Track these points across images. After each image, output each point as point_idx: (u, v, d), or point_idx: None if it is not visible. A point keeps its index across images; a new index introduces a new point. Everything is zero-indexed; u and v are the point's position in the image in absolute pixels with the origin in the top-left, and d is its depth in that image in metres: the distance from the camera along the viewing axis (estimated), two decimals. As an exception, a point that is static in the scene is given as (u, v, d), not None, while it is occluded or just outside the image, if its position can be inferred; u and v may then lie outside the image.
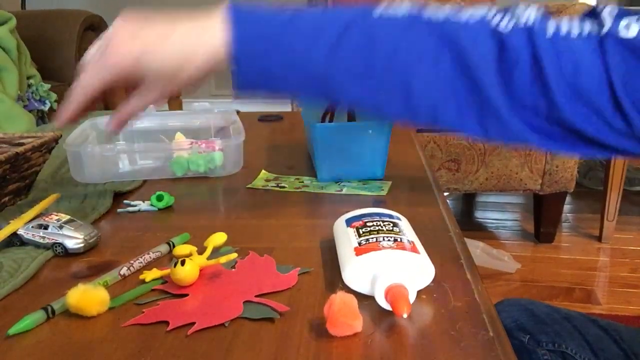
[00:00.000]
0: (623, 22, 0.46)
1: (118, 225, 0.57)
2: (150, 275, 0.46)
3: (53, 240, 0.53)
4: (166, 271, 0.46)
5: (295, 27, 0.47)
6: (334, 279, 0.46)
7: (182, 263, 0.44)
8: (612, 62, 0.45)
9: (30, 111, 1.87)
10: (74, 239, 0.53)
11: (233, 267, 0.48)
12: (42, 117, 1.98)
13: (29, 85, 1.96)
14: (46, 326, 0.41)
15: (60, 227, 0.53)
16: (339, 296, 0.38)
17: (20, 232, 0.53)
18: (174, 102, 3.30)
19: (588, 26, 0.48)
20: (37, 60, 2.20)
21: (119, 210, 0.65)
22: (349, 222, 0.49)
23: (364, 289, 0.43)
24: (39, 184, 0.74)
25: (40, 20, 2.42)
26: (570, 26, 0.48)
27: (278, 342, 0.38)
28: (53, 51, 2.35)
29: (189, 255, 0.49)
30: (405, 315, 0.38)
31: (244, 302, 0.42)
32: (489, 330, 0.38)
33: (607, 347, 0.66)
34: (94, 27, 2.46)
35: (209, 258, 0.47)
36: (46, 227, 0.53)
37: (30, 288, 0.47)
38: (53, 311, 0.42)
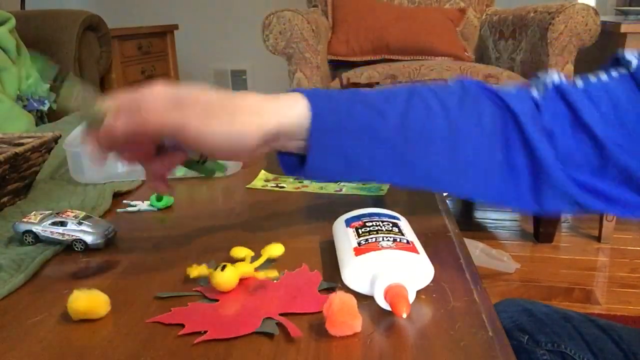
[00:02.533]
0: None
1: (117, 225, 0.57)
2: (194, 271, 0.46)
3: (73, 237, 0.53)
4: (210, 271, 0.46)
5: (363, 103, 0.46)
6: (333, 279, 0.46)
7: (223, 268, 0.44)
8: None
9: (29, 111, 1.87)
10: (93, 235, 0.53)
11: (278, 278, 0.47)
12: (42, 117, 1.98)
13: (28, 86, 1.96)
14: (46, 326, 0.41)
15: (80, 223, 0.53)
16: (338, 296, 0.38)
17: (37, 229, 0.54)
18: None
19: (615, 71, 0.48)
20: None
21: (118, 210, 0.65)
22: (348, 222, 0.49)
23: (363, 289, 0.43)
24: (38, 184, 0.74)
25: (40, 20, 2.42)
26: (598, 75, 0.48)
27: (278, 342, 0.38)
28: (52, 51, 2.35)
29: (243, 258, 0.49)
30: (404, 315, 0.38)
31: (263, 319, 0.41)
32: (488, 330, 0.38)
33: (606, 347, 0.66)
34: (94, 27, 2.46)
35: (258, 268, 0.47)
36: (64, 224, 0.53)
37: (30, 288, 0.47)
38: None
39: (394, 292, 0.39)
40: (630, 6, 2.67)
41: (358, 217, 0.49)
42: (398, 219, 0.49)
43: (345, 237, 0.47)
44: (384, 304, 0.40)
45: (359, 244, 0.44)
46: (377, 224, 0.47)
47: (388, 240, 0.44)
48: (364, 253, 0.43)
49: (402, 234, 0.45)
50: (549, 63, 1.87)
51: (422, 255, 0.44)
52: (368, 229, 0.46)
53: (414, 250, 0.43)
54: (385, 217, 0.49)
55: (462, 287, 0.45)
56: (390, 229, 0.46)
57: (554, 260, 1.87)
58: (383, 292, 0.40)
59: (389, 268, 0.41)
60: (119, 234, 0.57)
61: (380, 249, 0.43)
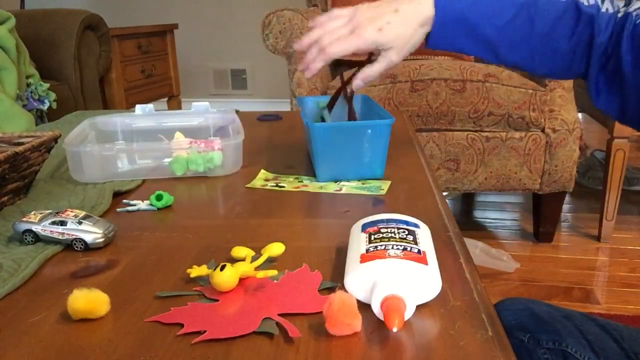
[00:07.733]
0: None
1: (117, 224, 0.57)
2: (194, 271, 0.46)
3: (73, 236, 0.53)
4: (210, 271, 0.46)
5: (480, 6, 0.63)
6: (332, 278, 0.46)
7: (222, 268, 0.44)
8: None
9: (29, 110, 1.87)
10: (93, 234, 0.53)
11: (278, 278, 0.47)
12: (41, 117, 1.98)
13: (28, 85, 1.96)
14: (46, 326, 0.41)
15: (80, 222, 0.53)
16: (338, 296, 0.38)
17: (37, 229, 0.54)
18: (173, 101, 3.30)
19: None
20: (36, 60, 2.19)
21: (118, 209, 0.65)
22: (364, 227, 0.48)
23: (363, 297, 0.42)
24: (38, 183, 0.74)
25: (39, 20, 2.42)
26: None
27: (277, 342, 0.38)
28: (52, 50, 2.35)
29: (244, 258, 0.49)
30: (395, 330, 0.37)
31: (263, 319, 0.41)
32: (488, 330, 0.38)
33: (608, 346, 0.66)
34: (93, 26, 2.46)
35: (258, 268, 0.47)
36: (64, 224, 0.53)
37: (30, 287, 0.47)
38: None
39: (389, 305, 0.38)
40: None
41: (375, 223, 0.48)
42: (417, 226, 0.48)
43: (357, 242, 0.46)
44: (380, 315, 0.40)
45: (367, 250, 0.44)
46: (392, 230, 0.46)
47: (397, 249, 0.43)
48: (369, 261, 0.42)
49: (416, 243, 0.44)
50: (548, 62, 1.87)
51: (431, 267, 0.42)
52: (381, 235, 0.45)
53: (422, 261, 0.42)
54: (403, 224, 0.47)
55: (461, 286, 0.45)
56: (405, 237, 0.45)
57: (554, 260, 1.87)
58: (379, 302, 0.39)
59: (390, 278, 0.40)
60: (118, 234, 0.57)
61: (385, 258, 0.42)
